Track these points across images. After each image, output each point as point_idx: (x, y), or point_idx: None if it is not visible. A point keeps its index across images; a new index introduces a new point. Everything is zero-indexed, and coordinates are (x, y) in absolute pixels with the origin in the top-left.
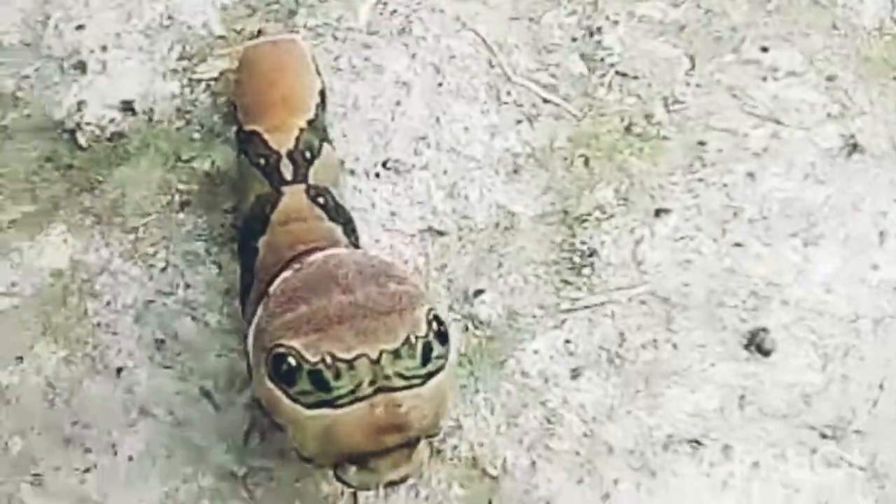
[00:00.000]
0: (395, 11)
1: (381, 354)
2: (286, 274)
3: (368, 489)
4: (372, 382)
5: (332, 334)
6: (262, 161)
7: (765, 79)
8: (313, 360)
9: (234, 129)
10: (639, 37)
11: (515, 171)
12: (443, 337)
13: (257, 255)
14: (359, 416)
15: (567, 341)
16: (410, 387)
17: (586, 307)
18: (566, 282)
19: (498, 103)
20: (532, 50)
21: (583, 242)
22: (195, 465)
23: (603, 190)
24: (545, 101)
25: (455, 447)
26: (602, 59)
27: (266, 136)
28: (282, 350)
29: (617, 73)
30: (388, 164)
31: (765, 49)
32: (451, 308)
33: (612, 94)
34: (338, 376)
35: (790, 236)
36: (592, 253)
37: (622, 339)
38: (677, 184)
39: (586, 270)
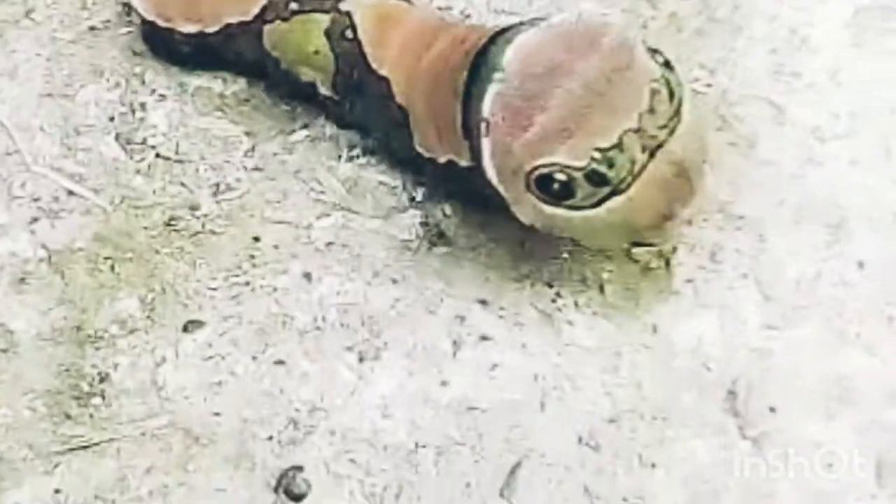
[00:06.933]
0: None
1: (639, 118)
2: (492, 91)
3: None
4: (643, 148)
5: (585, 128)
6: None
7: (339, 157)
8: (582, 164)
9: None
10: (190, 112)
11: (22, 281)
12: (669, 66)
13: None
14: (648, 186)
15: (57, 490)
16: (673, 130)
17: (87, 446)
18: (67, 415)
19: (9, 198)
20: (61, 132)
21: (93, 366)
22: None
23: (126, 300)
24: (70, 193)
25: None
26: (143, 141)
27: None
28: (545, 171)
29: (158, 156)
30: None
31: None
32: None
33: (151, 182)
34: (611, 164)
35: (345, 350)
36: (104, 378)
37: (124, 486)
38: (218, 289)
39: (95, 400)
